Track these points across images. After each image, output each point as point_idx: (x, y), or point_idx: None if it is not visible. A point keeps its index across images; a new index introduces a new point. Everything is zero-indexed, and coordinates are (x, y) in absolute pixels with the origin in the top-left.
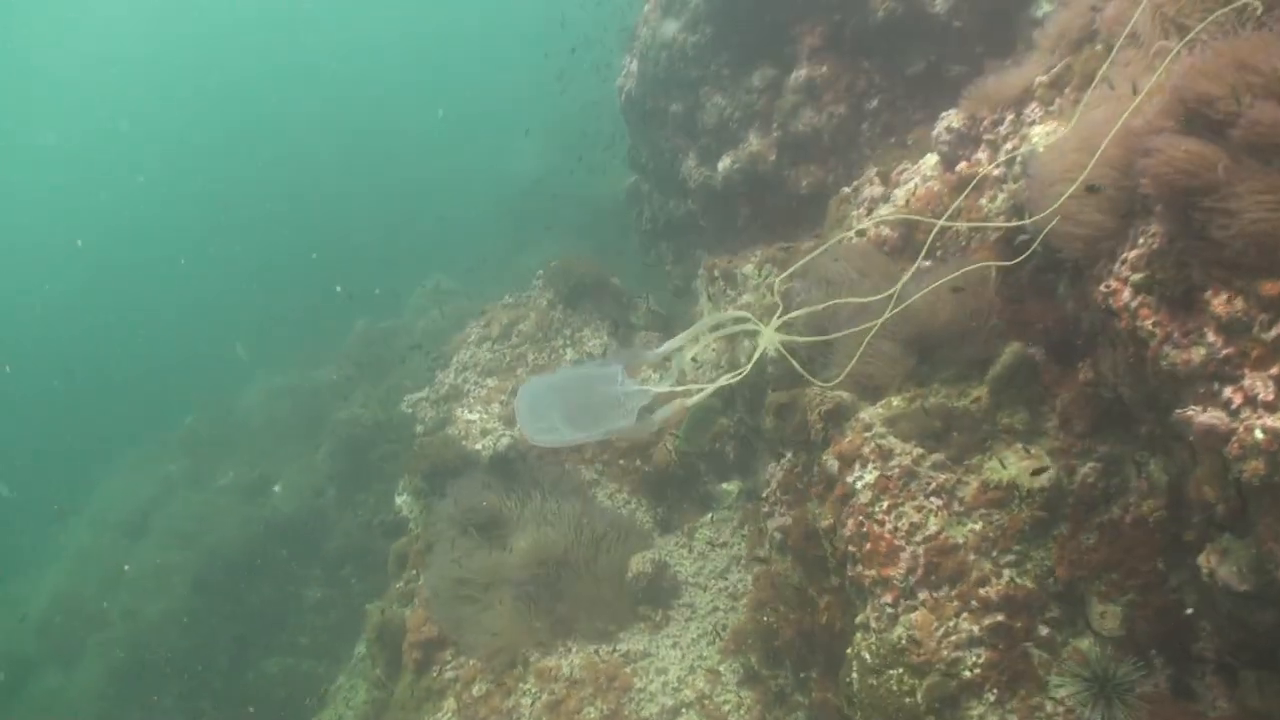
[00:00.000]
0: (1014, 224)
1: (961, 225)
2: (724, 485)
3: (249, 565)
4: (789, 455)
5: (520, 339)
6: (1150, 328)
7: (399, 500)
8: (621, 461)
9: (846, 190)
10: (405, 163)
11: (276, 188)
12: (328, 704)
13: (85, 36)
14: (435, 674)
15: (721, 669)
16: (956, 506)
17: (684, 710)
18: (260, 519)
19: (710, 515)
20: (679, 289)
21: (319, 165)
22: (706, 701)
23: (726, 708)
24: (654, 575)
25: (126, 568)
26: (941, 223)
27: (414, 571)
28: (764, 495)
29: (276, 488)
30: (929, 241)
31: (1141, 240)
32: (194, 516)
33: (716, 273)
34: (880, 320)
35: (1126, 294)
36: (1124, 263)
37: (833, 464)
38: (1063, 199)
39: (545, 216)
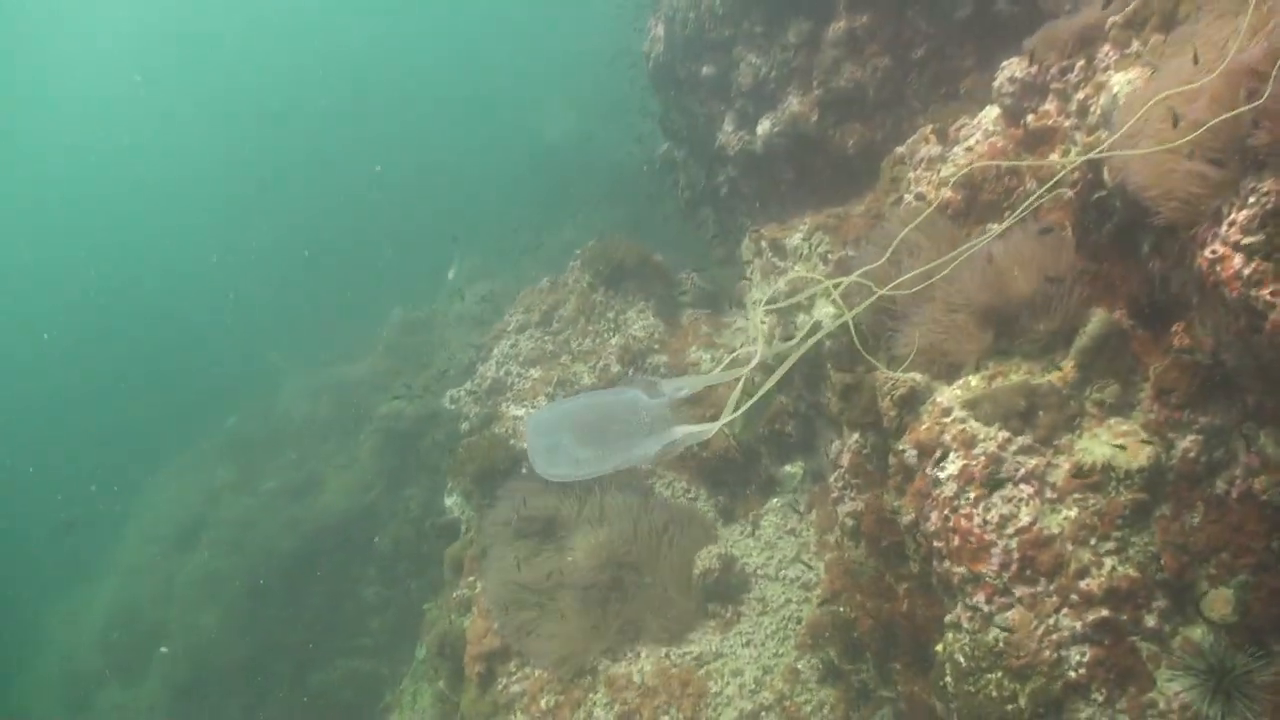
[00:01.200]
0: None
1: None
2: (787, 468)
3: (302, 568)
4: (856, 437)
5: (562, 324)
6: (1269, 298)
7: (449, 501)
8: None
9: (900, 150)
10: (431, 142)
11: (303, 177)
12: (394, 710)
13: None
14: (500, 687)
15: (799, 666)
16: (1049, 493)
17: (763, 714)
18: (310, 520)
19: (775, 500)
20: (723, 259)
21: (345, 153)
22: (786, 703)
23: (808, 708)
24: (722, 571)
25: (178, 579)
26: (1035, 197)
27: (471, 578)
28: (832, 479)
29: (326, 488)
30: (1038, 194)
31: (1253, 199)
32: (243, 522)
33: (763, 243)
34: (934, 269)
35: (1237, 261)
36: (1232, 225)
37: (911, 454)
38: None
39: (576, 188)
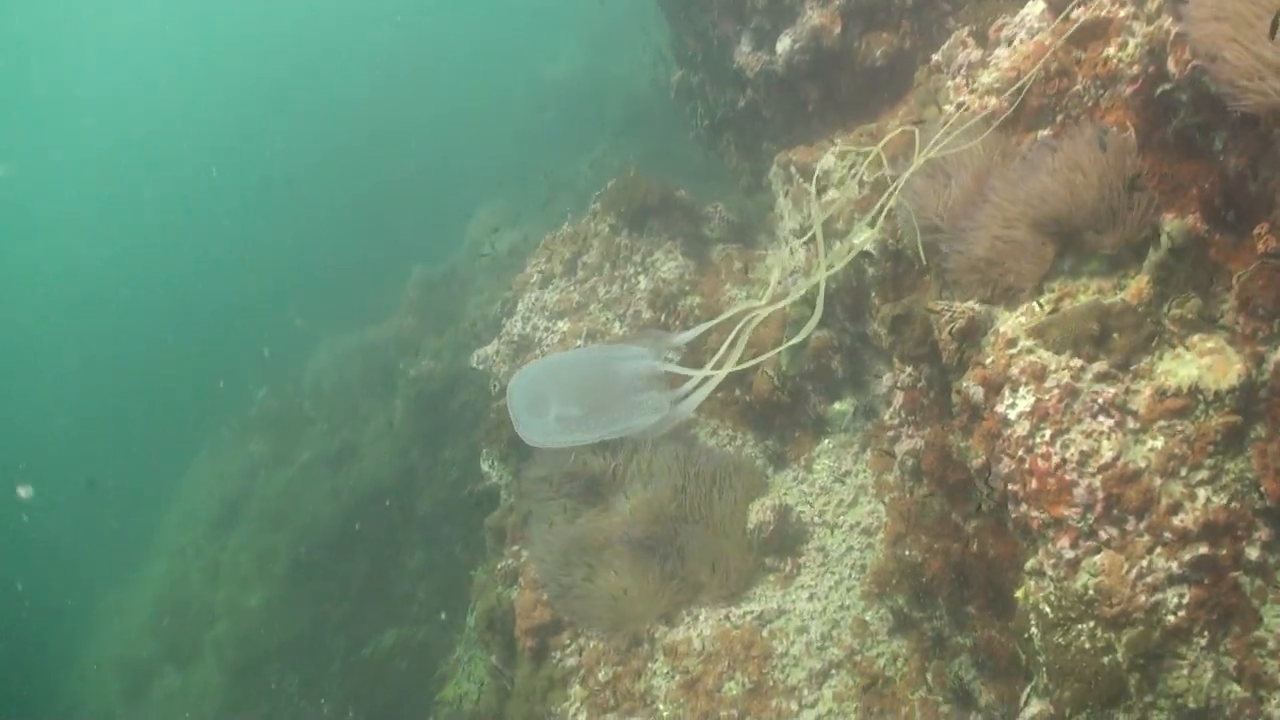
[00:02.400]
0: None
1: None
2: (835, 405)
3: (345, 539)
4: (909, 370)
5: (587, 272)
6: None
7: (485, 466)
8: (719, 394)
9: (936, 58)
10: (437, 89)
11: (311, 140)
12: (449, 679)
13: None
14: (555, 660)
15: (868, 618)
16: (1131, 424)
17: (834, 672)
18: (348, 489)
19: (826, 441)
20: (749, 187)
21: (352, 112)
22: (857, 658)
23: (881, 661)
24: (778, 522)
25: (223, 559)
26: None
27: (515, 547)
28: (886, 417)
29: (363, 455)
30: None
31: None
32: (282, 497)
33: (792, 168)
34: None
35: None
36: None
37: (976, 391)
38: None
39: (592, 126)
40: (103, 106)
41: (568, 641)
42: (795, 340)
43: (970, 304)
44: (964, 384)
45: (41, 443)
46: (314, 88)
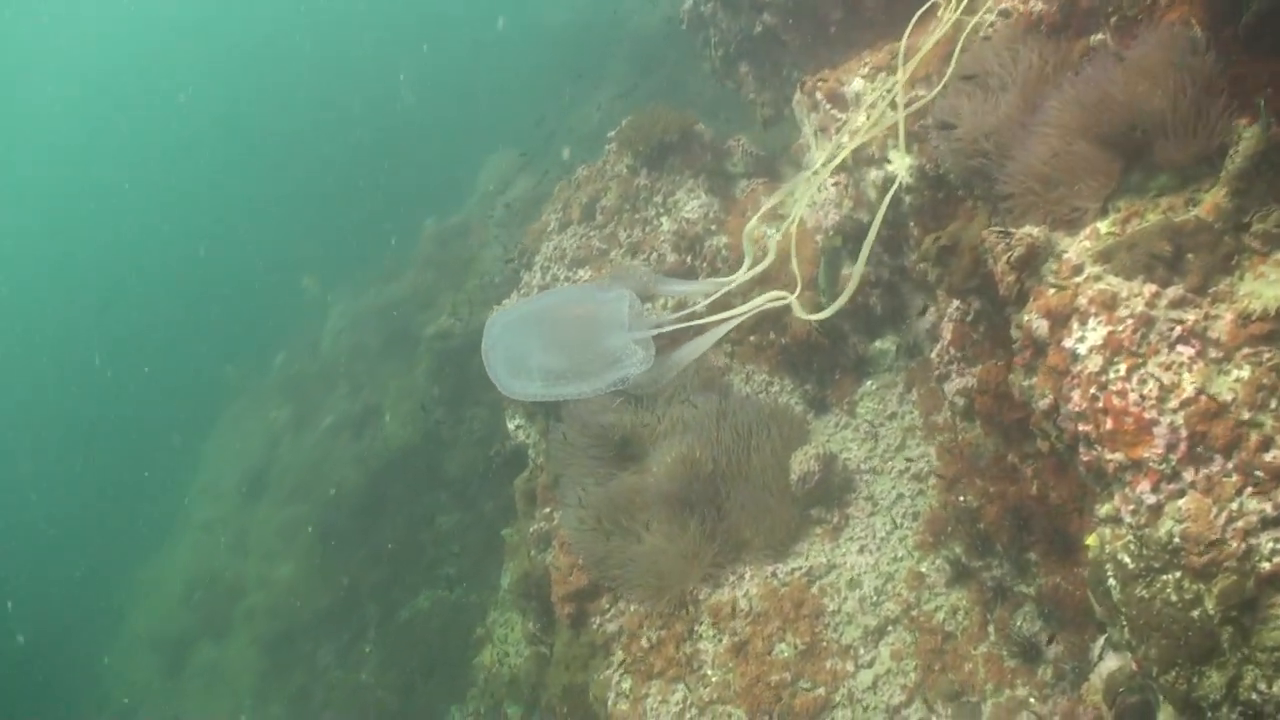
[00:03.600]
0: None
1: None
2: (876, 344)
3: (373, 504)
4: (957, 304)
5: (606, 216)
6: None
7: (511, 425)
8: (752, 338)
9: None
10: (446, 45)
11: (309, 97)
12: (486, 643)
13: None
14: (595, 627)
15: (923, 569)
16: (1213, 352)
17: (890, 628)
18: (373, 453)
19: (869, 383)
20: (770, 119)
21: (354, 63)
22: (914, 612)
23: (940, 615)
24: (823, 471)
25: (250, 531)
26: None
27: (546, 509)
28: (934, 355)
29: (386, 417)
30: None
31: None
32: (306, 465)
33: (818, 94)
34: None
35: None
36: None
37: (1039, 325)
38: None
39: (602, 64)
40: (91, 62)
41: (607, 606)
42: (822, 316)
43: (1028, 230)
44: (1025, 317)
45: (61, 420)
46: (315, 40)
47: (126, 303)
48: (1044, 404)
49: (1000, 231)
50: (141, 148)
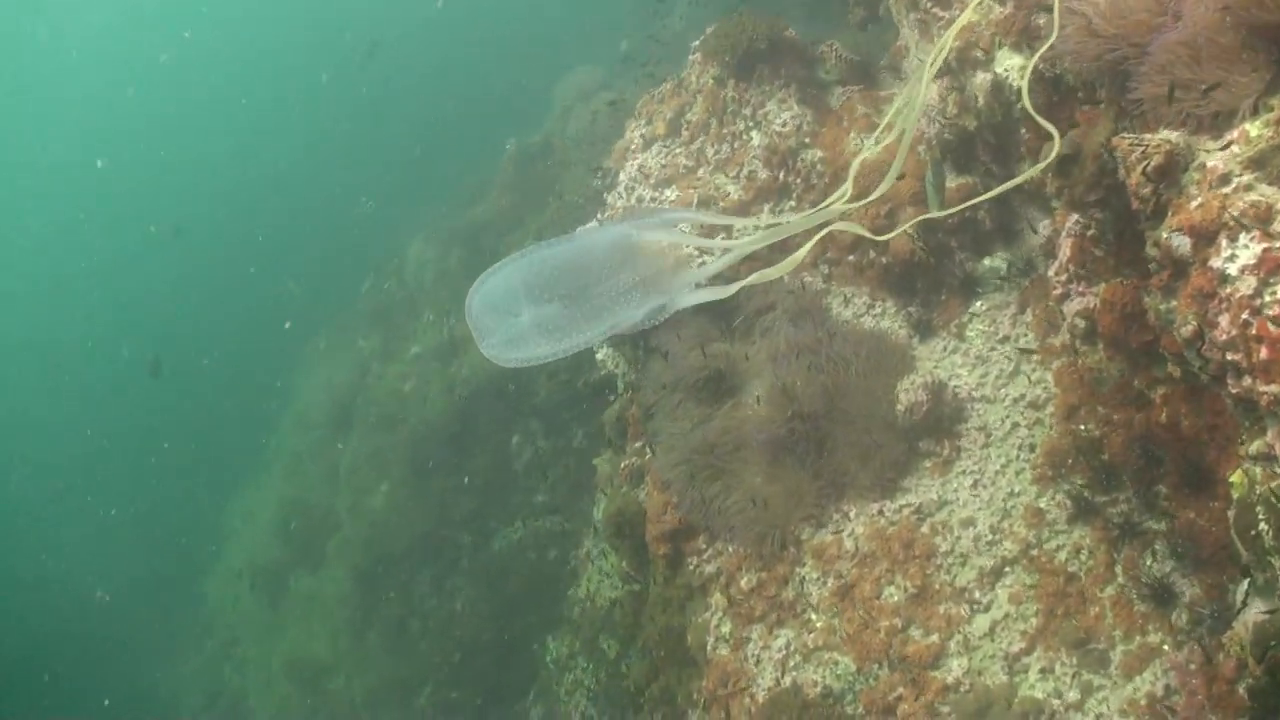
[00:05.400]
0: None
1: None
2: (985, 262)
3: (462, 432)
4: (1077, 218)
5: (692, 131)
6: None
7: (599, 355)
8: (851, 258)
9: None
10: None
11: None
12: (581, 576)
13: None
14: (692, 567)
15: (1042, 505)
16: None
17: (1009, 569)
18: (461, 381)
19: (978, 303)
20: (864, 20)
21: None
22: (1034, 552)
23: (1062, 555)
24: (931, 402)
25: (342, 462)
26: None
27: (638, 444)
28: (1051, 273)
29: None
30: None
31: None
32: (394, 395)
33: None
34: None
35: None
36: None
37: (1180, 242)
38: None
39: None
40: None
41: (704, 547)
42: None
43: (1165, 135)
44: (1164, 234)
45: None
46: None
47: (203, 231)
48: (1186, 330)
49: (1134, 138)
50: (223, 73)
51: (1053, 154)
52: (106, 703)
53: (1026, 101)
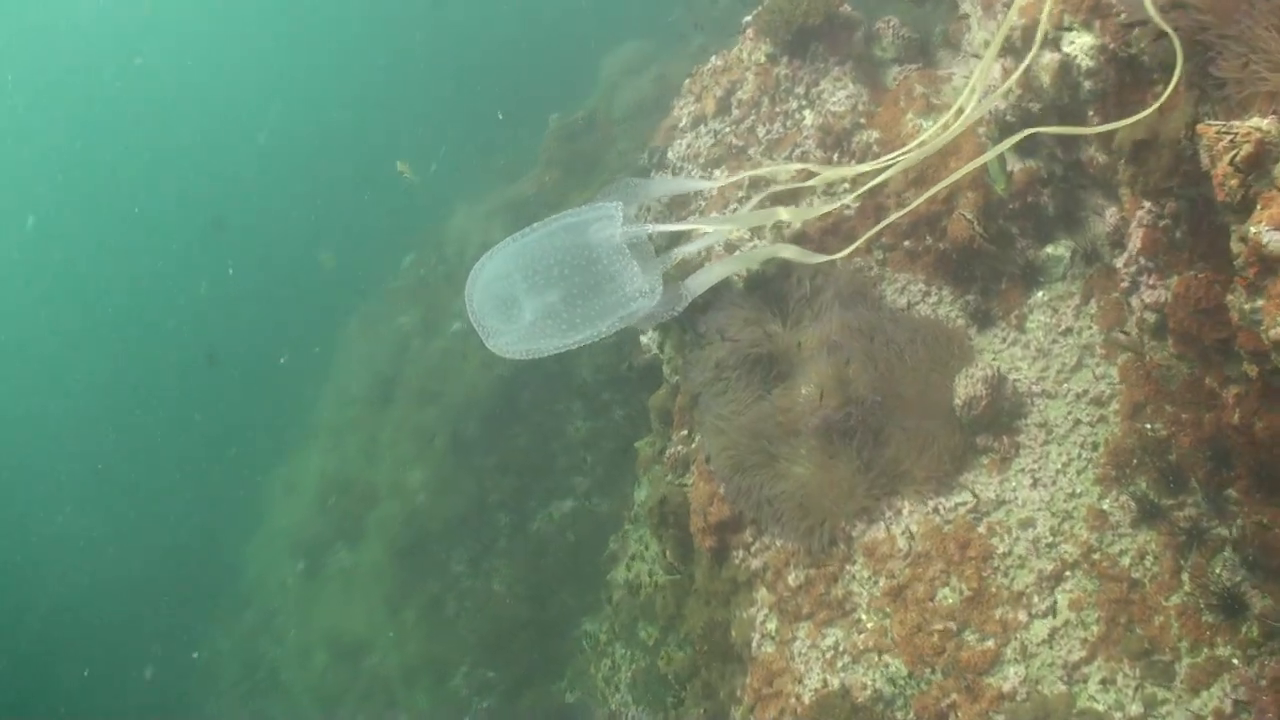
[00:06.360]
0: None
1: None
2: (1048, 249)
3: (502, 411)
4: (1149, 206)
5: (743, 110)
6: None
7: (645, 338)
8: (906, 244)
9: None
10: None
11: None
12: (620, 560)
13: None
14: (738, 561)
15: (1105, 506)
16: None
17: (1068, 574)
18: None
19: (1039, 293)
20: None
21: None
22: (1096, 556)
23: (1125, 560)
24: (990, 396)
25: (381, 437)
26: None
27: (683, 431)
28: (1120, 264)
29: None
30: None
31: None
32: (435, 371)
33: None
34: None
35: None
36: None
37: (1271, 238)
38: None
39: None
40: None
41: (750, 540)
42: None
43: (1254, 123)
44: (1252, 229)
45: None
46: None
47: (244, 212)
48: (1275, 333)
49: (1221, 125)
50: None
51: (1176, 70)
52: (149, 674)
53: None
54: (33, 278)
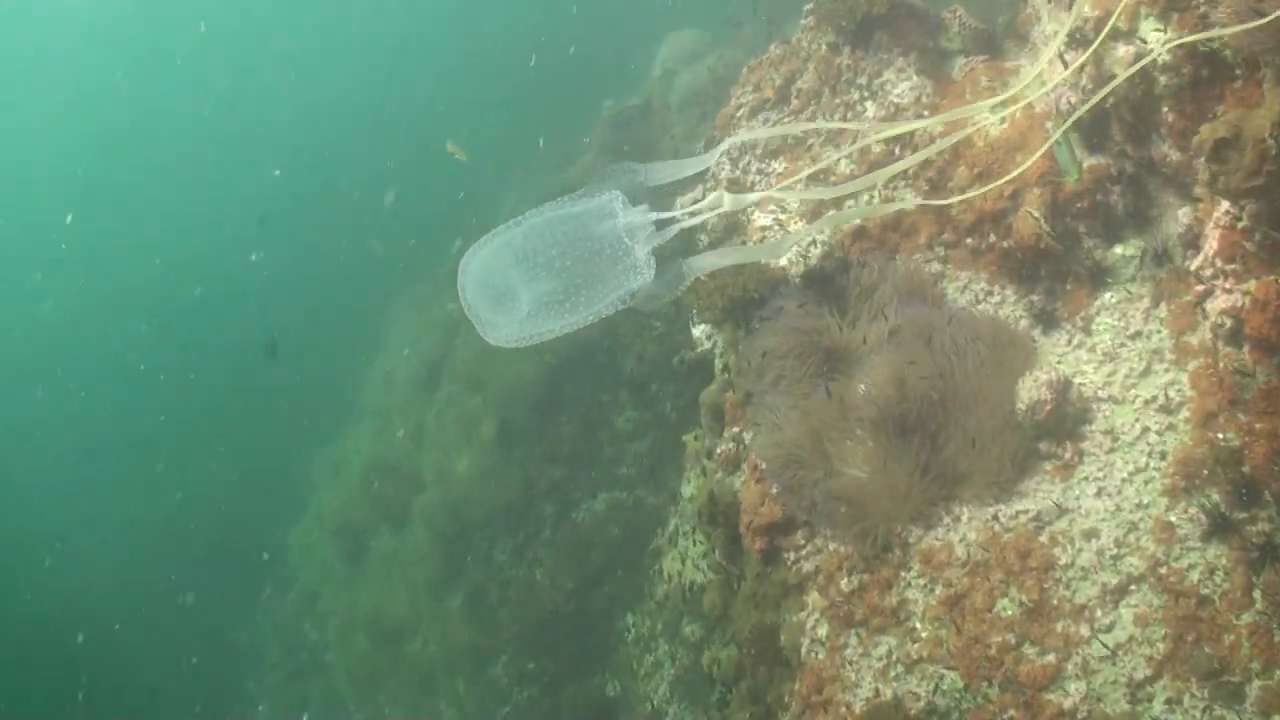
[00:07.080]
0: None
1: None
2: (1117, 250)
3: (549, 399)
4: (1226, 207)
5: (803, 100)
6: None
7: (696, 332)
8: (969, 241)
9: None
10: None
11: None
12: (665, 555)
13: None
14: (789, 563)
15: (1173, 519)
16: None
17: (1133, 588)
18: (550, 346)
19: (1107, 295)
20: None
21: None
22: (1162, 570)
23: (1193, 575)
24: (1055, 401)
25: (427, 423)
26: None
27: (735, 429)
28: (1194, 266)
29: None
30: None
31: None
32: (481, 358)
33: None
34: None
35: None
36: None
37: None
38: None
39: None
40: None
41: (802, 542)
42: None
43: None
44: None
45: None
46: None
47: (289, 204)
48: None
49: None
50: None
51: None
52: (195, 660)
53: None
54: (87, 265)
